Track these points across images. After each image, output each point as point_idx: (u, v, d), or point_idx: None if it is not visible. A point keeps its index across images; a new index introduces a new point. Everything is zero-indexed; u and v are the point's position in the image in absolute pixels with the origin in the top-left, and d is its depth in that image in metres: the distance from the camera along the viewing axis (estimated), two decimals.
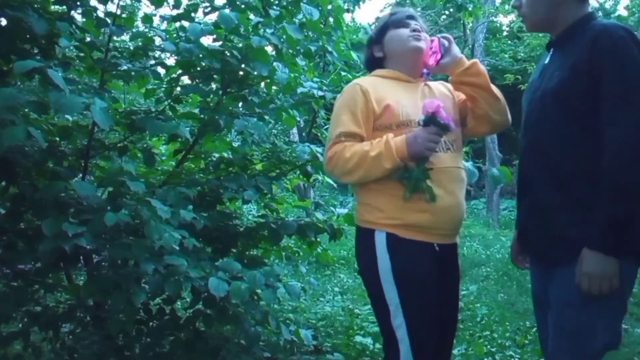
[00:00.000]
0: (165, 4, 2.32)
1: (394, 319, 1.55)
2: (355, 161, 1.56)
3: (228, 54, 2.23)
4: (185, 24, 2.28)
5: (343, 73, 2.85)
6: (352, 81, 1.77)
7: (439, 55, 1.69)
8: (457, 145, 1.71)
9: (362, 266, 1.67)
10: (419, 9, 11.28)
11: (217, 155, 2.66)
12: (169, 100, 2.45)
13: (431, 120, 1.52)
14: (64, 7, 2.16)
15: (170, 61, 2.50)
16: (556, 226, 1.45)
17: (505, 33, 15.94)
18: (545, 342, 1.57)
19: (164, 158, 2.81)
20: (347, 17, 6.61)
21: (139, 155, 2.45)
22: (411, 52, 1.71)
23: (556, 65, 1.50)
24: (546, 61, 1.57)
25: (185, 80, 2.45)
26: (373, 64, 1.80)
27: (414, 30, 1.72)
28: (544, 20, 1.55)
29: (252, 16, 2.33)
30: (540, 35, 10.63)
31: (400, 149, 1.53)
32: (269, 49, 2.35)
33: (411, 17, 1.76)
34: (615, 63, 1.35)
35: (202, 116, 2.39)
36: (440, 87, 1.79)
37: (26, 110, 1.93)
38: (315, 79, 2.69)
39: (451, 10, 8.44)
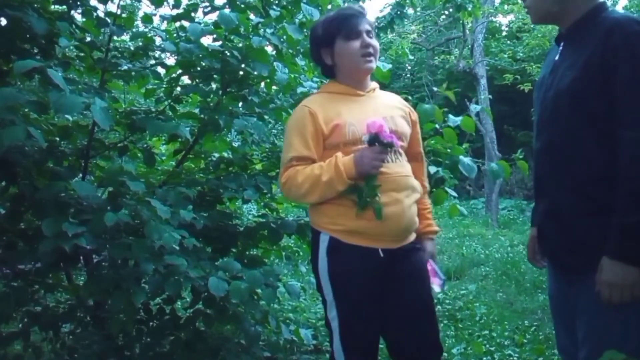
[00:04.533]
0: (165, 4, 2.33)
1: (330, 311, 1.66)
2: (308, 186, 1.60)
3: (228, 54, 2.23)
4: (185, 24, 2.28)
5: None
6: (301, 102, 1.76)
7: (439, 280, 1.79)
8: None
9: (311, 261, 1.76)
10: (418, 9, 11.27)
11: (217, 155, 2.67)
12: (169, 100, 2.45)
13: (375, 139, 1.57)
14: (64, 7, 2.17)
15: (170, 61, 2.51)
16: (574, 232, 1.39)
17: (504, 33, 15.93)
18: (564, 344, 1.54)
19: (164, 158, 2.81)
20: None
21: (139, 155, 2.46)
22: (362, 72, 1.71)
23: (568, 62, 1.40)
24: (556, 57, 1.47)
25: (185, 80, 2.46)
26: (325, 69, 1.78)
27: (366, 46, 1.66)
28: (551, 13, 1.44)
29: (252, 16, 2.33)
30: (539, 35, 10.62)
31: (349, 169, 1.57)
32: (269, 49, 2.36)
33: (361, 23, 1.66)
34: (629, 60, 1.27)
35: (202, 116, 2.39)
36: (391, 99, 1.79)
37: (26, 110, 1.93)
38: (315, 79, 2.69)
39: (450, 10, 8.46)
